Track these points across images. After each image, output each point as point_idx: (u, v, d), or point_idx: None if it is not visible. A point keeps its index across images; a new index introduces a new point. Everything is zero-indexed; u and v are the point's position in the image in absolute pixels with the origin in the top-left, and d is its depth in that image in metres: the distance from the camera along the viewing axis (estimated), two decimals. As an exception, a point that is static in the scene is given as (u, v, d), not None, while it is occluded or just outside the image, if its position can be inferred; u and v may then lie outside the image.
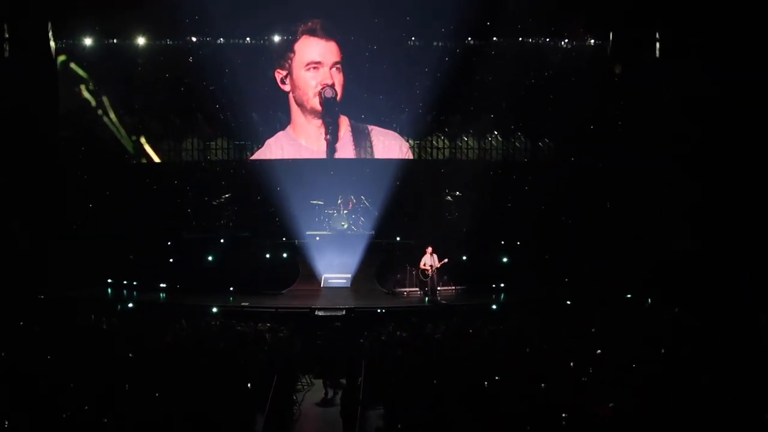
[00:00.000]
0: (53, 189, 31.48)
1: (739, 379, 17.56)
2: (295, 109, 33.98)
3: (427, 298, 29.61)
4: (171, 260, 32.36)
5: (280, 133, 34.34)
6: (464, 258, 31.42)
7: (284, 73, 33.56)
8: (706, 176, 28.95)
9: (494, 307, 28.23)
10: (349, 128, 34.32)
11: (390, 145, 34.68)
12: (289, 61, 33.48)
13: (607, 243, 31.21)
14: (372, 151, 34.55)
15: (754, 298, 24.80)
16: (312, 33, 33.20)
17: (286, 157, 34.40)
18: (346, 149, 34.38)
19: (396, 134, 34.71)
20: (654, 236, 30.42)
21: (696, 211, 29.05)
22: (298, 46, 33.40)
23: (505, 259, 32.21)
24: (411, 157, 34.82)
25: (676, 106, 29.85)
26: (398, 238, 33.39)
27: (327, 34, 33.11)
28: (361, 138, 34.43)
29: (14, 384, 17.42)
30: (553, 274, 31.25)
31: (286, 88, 33.72)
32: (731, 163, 28.64)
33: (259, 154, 34.57)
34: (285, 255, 32.85)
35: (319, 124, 33.93)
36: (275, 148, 34.39)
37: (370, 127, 34.51)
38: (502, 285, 30.91)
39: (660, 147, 30.75)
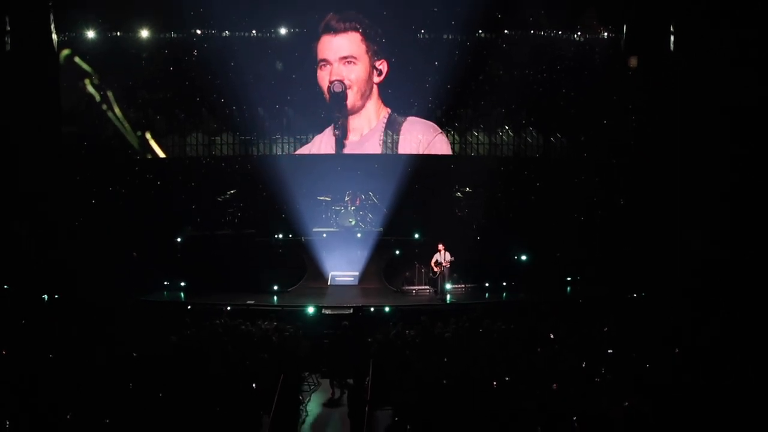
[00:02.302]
0: (56, 185, 31.03)
1: (757, 380, 17.26)
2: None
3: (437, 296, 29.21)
4: (179, 256, 31.98)
5: (327, 129, 34.17)
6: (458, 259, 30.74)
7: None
8: (721, 172, 28.52)
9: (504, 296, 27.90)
10: (386, 119, 33.96)
11: (417, 133, 34.32)
12: (315, 60, 33.33)
13: (621, 240, 30.73)
14: (397, 146, 34.13)
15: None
16: (327, 30, 32.98)
17: (322, 150, 34.18)
18: (371, 141, 34.08)
19: (433, 124, 34.33)
20: (669, 234, 29.93)
21: (712, 209, 28.62)
22: (318, 46, 33.19)
23: (524, 257, 31.72)
24: (445, 141, 34.52)
25: (692, 100, 29.41)
26: (417, 236, 32.82)
27: (338, 28, 32.82)
28: (392, 130, 34.06)
29: (16, 384, 17.23)
30: (564, 272, 30.77)
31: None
32: (747, 159, 28.24)
33: (306, 148, 34.51)
34: (291, 252, 32.38)
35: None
36: (318, 143, 34.37)
37: (411, 118, 34.12)
38: (513, 283, 30.52)
39: (676, 142, 30.30)
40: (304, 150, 34.37)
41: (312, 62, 33.29)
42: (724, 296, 25.46)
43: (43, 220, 30.25)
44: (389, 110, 33.85)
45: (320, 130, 34.12)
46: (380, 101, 33.76)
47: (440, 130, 34.24)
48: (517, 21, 33.36)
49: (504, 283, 30.75)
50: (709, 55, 29.07)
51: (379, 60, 33.07)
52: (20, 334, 21.98)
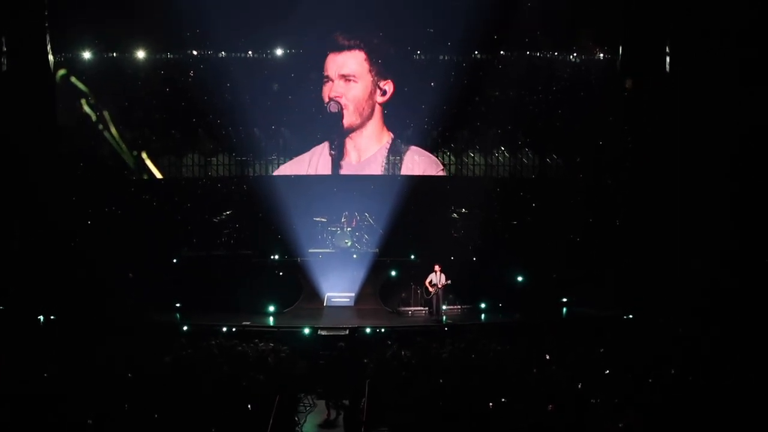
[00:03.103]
0: (52, 205, 30.96)
1: (752, 398, 17.20)
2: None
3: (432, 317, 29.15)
4: (175, 276, 31.79)
5: (317, 147, 34.10)
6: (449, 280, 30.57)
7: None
8: (718, 192, 28.56)
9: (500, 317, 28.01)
10: (389, 144, 33.95)
11: (419, 163, 34.29)
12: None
13: (617, 261, 30.71)
14: (400, 168, 34.17)
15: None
16: (332, 48, 32.97)
17: (319, 166, 34.16)
18: (373, 165, 34.10)
19: (433, 156, 34.43)
20: (665, 254, 29.92)
21: (708, 228, 28.64)
22: (326, 63, 33.21)
23: (520, 278, 31.65)
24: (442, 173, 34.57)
25: (688, 120, 29.46)
26: (413, 257, 32.82)
27: (342, 45, 32.85)
28: (393, 155, 34.05)
29: (9, 401, 17.06)
30: (560, 293, 30.71)
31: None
32: (746, 179, 28.29)
33: (297, 160, 34.39)
34: (286, 273, 32.32)
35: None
36: (314, 156, 34.24)
37: (414, 149, 34.16)
38: (509, 304, 30.44)
39: (670, 163, 30.32)
40: (290, 166, 34.30)
41: (310, 81, 33.35)
42: (722, 316, 25.46)
43: (39, 240, 30.21)
44: (392, 135, 33.88)
45: (309, 148, 34.18)
46: (383, 124, 33.76)
47: (442, 166, 34.30)
48: (513, 42, 33.27)
49: (500, 304, 30.58)
50: (705, 75, 29.12)
51: (384, 80, 33.02)
52: (15, 353, 21.91)
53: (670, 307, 27.26)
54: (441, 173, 34.36)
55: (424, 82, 33.10)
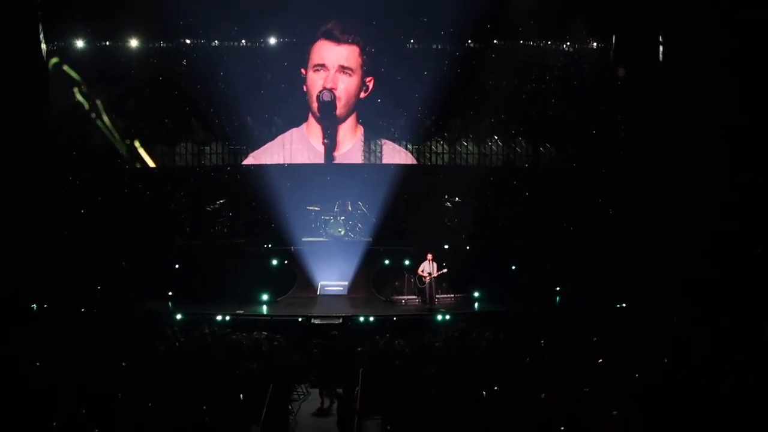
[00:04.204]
0: (44, 194, 30.91)
1: (747, 387, 17.33)
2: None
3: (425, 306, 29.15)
4: (177, 266, 31.93)
5: (294, 130, 34.12)
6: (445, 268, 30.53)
7: (305, 72, 33.25)
8: (713, 181, 28.57)
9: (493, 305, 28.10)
10: (362, 137, 34.02)
11: (396, 159, 34.37)
12: (306, 62, 33.21)
13: (611, 250, 30.74)
14: (381, 158, 34.28)
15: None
16: (328, 36, 32.85)
17: (293, 154, 34.19)
18: (354, 156, 34.16)
19: (407, 152, 34.50)
20: (658, 244, 29.93)
21: (702, 218, 28.66)
22: (313, 48, 33.12)
23: (513, 267, 31.73)
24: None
25: (681, 110, 29.47)
26: (406, 245, 32.62)
27: (340, 37, 32.78)
28: (372, 145, 34.11)
29: (4, 390, 17.13)
30: (553, 281, 30.77)
31: (305, 88, 33.38)
32: (739, 168, 28.29)
33: (267, 148, 34.29)
34: (280, 262, 32.32)
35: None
36: (286, 144, 34.17)
37: (384, 141, 34.20)
38: (503, 293, 30.45)
39: (663, 152, 30.35)
40: (267, 149, 34.37)
41: (301, 66, 33.31)
42: (717, 306, 25.49)
43: (31, 229, 30.13)
44: (362, 129, 34.00)
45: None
46: (356, 119, 33.88)
47: (416, 162, 34.49)
48: (506, 31, 33.30)
49: (493, 293, 30.62)
50: (698, 64, 29.12)
51: (368, 77, 33.06)
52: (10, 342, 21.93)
53: (665, 295, 27.31)
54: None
55: (417, 71, 33.16)
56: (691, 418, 15.81)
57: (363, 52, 32.89)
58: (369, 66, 32.99)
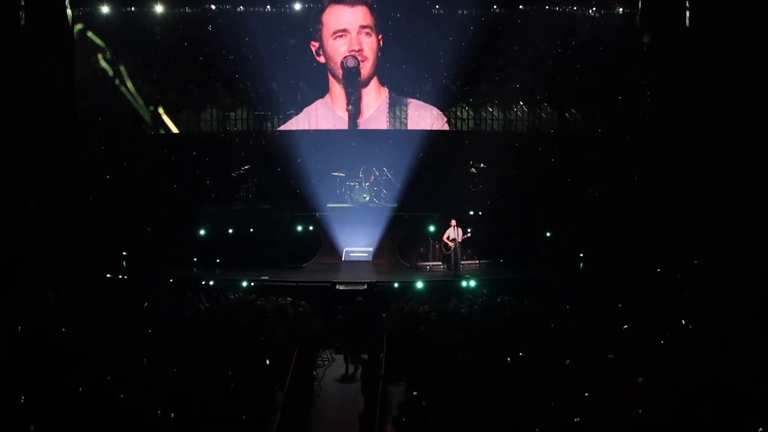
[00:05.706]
0: (69, 161, 31.02)
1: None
2: (331, 79, 33.47)
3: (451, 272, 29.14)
4: (201, 232, 32.03)
5: (319, 101, 33.86)
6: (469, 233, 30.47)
7: (317, 44, 33.01)
8: (737, 152, 28.35)
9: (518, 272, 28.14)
10: (387, 99, 33.73)
11: (424, 117, 34.01)
12: (320, 32, 32.91)
13: (635, 218, 30.58)
14: (406, 123, 33.94)
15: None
16: (337, 1, 32.60)
17: (319, 124, 33.93)
18: (379, 120, 33.86)
19: (434, 108, 34.04)
20: (681, 213, 29.72)
21: (726, 189, 28.45)
22: (325, 17, 32.82)
23: (538, 233, 31.72)
24: (446, 128, 34.24)
25: (707, 78, 29.18)
26: (431, 212, 32.53)
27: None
28: (396, 110, 33.80)
29: (29, 358, 17.14)
30: (575, 249, 30.66)
31: (321, 59, 33.15)
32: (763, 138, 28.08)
33: (294, 122, 34.09)
34: (305, 228, 32.40)
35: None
36: (311, 116, 33.92)
37: (409, 100, 33.88)
38: (528, 259, 30.38)
39: (689, 118, 30.10)
40: (293, 123, 34.17)
41: (311, 40, 33.17)
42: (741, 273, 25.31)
43: (58, 197, 30.24)
44: (387, 90, 33.71)
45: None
46: (378, 81, 33.59)
47: (445, 118, 34.10)
48: (532, -4, 33.13)
49: (518, 259, 30.58)
50: (725, 28, 28.80)
51: (380, 34, 32.90)
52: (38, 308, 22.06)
53: (688, 262, 27.20)
54: (445, 127, 34.18)
55: (443, 36, 32.94)
56: (715, 385, 15.70)
57: (372, 11, 32.66)
58: (379, 23, 32.73)
